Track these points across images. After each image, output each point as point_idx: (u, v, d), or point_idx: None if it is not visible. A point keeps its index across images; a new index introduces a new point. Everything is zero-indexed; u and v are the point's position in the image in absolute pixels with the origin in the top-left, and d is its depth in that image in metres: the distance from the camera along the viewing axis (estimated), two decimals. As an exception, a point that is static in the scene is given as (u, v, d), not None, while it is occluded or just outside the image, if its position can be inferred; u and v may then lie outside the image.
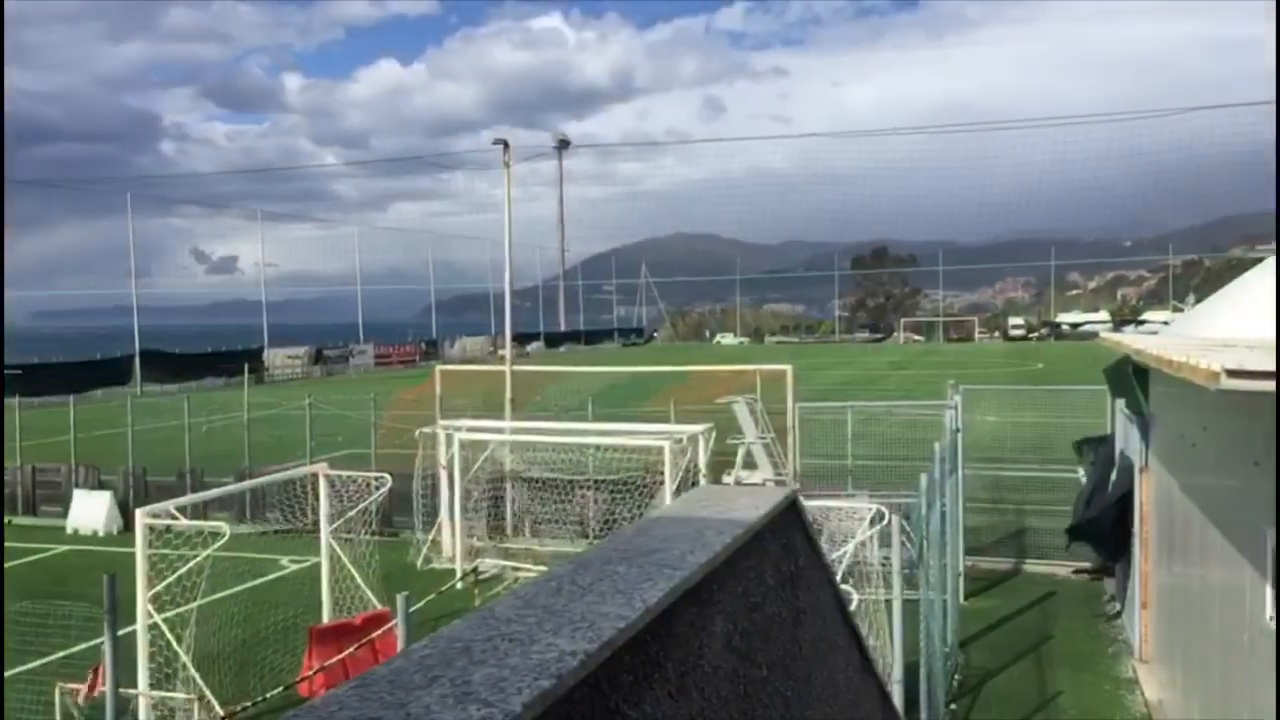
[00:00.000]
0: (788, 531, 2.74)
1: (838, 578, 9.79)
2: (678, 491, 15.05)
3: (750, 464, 17.09)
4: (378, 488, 13.14)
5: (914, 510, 9.37)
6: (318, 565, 13.38)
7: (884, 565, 9.90)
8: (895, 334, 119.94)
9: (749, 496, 2.60)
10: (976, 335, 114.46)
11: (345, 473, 13.49)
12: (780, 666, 2.55)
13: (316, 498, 13.28)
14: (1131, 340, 10.12)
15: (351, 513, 13.08)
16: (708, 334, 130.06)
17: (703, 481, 15.87)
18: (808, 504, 10.53)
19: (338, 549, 12.96)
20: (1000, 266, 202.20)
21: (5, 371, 47.61)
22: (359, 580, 12.83)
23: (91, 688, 9.81)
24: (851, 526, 10.53)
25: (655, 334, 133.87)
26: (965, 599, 14.84)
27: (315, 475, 13.39)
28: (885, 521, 9.79)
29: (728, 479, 16.68)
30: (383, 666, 1.49)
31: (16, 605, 12.98)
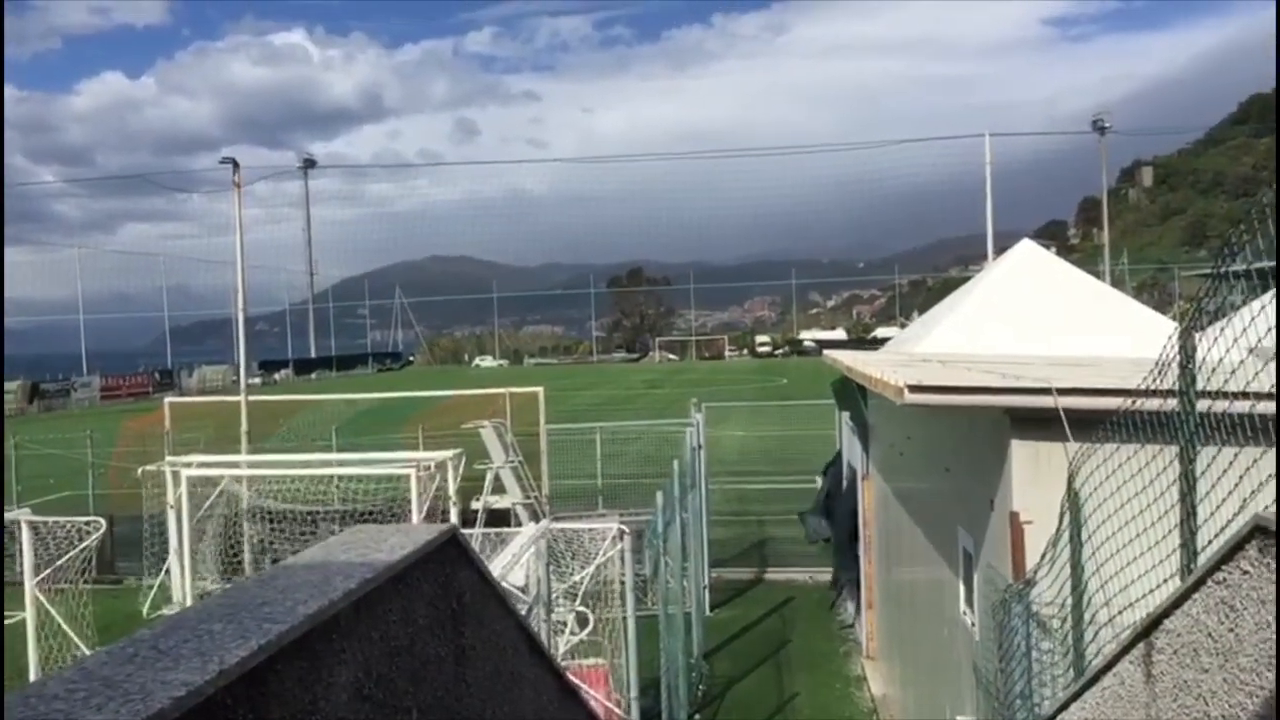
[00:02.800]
0: (447, 568, 2.69)
1: (578, 598, 9.88)
2: (428, 519, 14.76)
3: (499, 489, 16.97)
4: (91, 533, 12.09)
5: (650, 526, 9.56)
6: (24, 621, 12.19)
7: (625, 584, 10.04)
8: (651, 353, 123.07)
9: (400, 535, 2.53)
10: (727, 353, 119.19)
11: (52, 518, 12.34)
12: (439, 708, 2.50)
13: (21, 547, 12.09)
14: (844, 357, 10.82)
15: (61, 561, 11.98)
16: (466, 357, 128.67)
17: (452, 510, 15.63)
18: (556, 526, 10.59)
19: (45, 602, 11.84)
20: (748, 286, 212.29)
21: None
22: (71, 635, 11.77)
23: None
24: (598, 546, 10.64)
25: (412, 358, 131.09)
26: (710, 610, 15.32)
27: (17, 522, 12.19)
28: (626, 540, 9.94)
29: (476, 504, 16.50)
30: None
31: None
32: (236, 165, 18.88)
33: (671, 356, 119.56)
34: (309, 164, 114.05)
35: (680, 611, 10.66)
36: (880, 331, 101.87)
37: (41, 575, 11.93)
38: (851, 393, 13.18)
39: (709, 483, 17.17)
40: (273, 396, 34.26)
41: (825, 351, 15.79)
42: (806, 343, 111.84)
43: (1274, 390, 2.73)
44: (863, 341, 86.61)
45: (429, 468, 15.54)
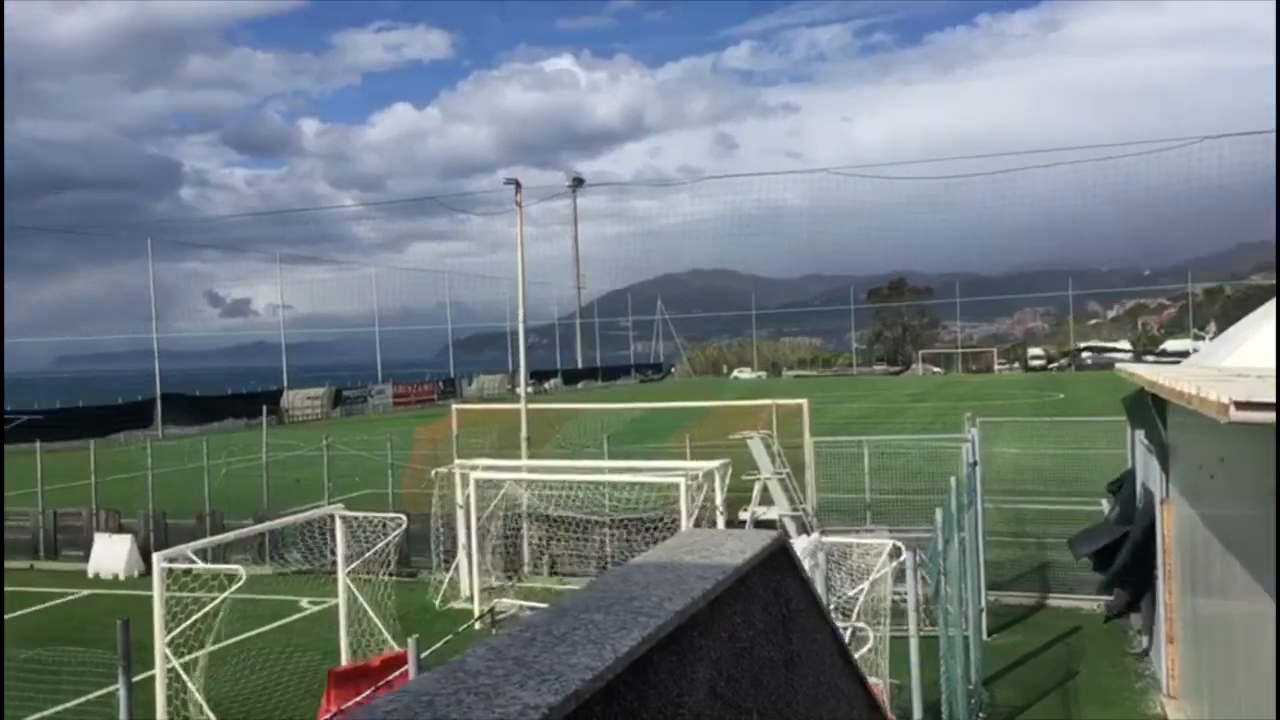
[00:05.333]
0: (778, 575, 2.72)
1: (854, 614, 9.74)
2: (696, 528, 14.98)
3: (767, 500, 17.00)
4: (393, 528, 13.14)
5: (930, 545, 9.28)
6: (336, 607, 13.38)
7: (903, 602, 9.80)
8: (913, 366, 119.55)
9: (735, 540, 2.59)
10: (996, 366, 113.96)
11: (361, 514, 13.50)
12: (773, 712, 2.53)
13: (334, 539, 13.32)
14: (1146, 372, 10.06)
15: (368, 554, 13.08)
16: (725, 369, 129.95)
17: (719, 519, 15.80)
18: (826, 540, 10.49)
19: (355, 590, 12.95)
20: (1018, 297, 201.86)
21: (30, 417, 48.04)
22: (376, 621, 12.80)
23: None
24: (870, 563, 10.45)
25: (673, 369, 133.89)
26: (988, 635, 14.64)
27: (332, 517, 13.43)
28: (903, 557, 9.70)
29: (744, 515, 16.59)
30: (347, 722, 1.50)
31: (29, 653, 13.01)
32: (519, 186, 20.00)
33: (936, 369, 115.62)
34: (578, 183, 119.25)
35: (960, 634, 10.28)
36: (1170, 344, 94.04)
37: (352, 566, 13.08)
38: (1146, 409, 12.24)
39: (984, 501, 16.45)
40: (547, 405, 35.93)
41: (1118, 365, 14.77)
42: (1085, 355, 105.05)
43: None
44: (1151, 354, 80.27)
45: (697, 477, 15.81)
